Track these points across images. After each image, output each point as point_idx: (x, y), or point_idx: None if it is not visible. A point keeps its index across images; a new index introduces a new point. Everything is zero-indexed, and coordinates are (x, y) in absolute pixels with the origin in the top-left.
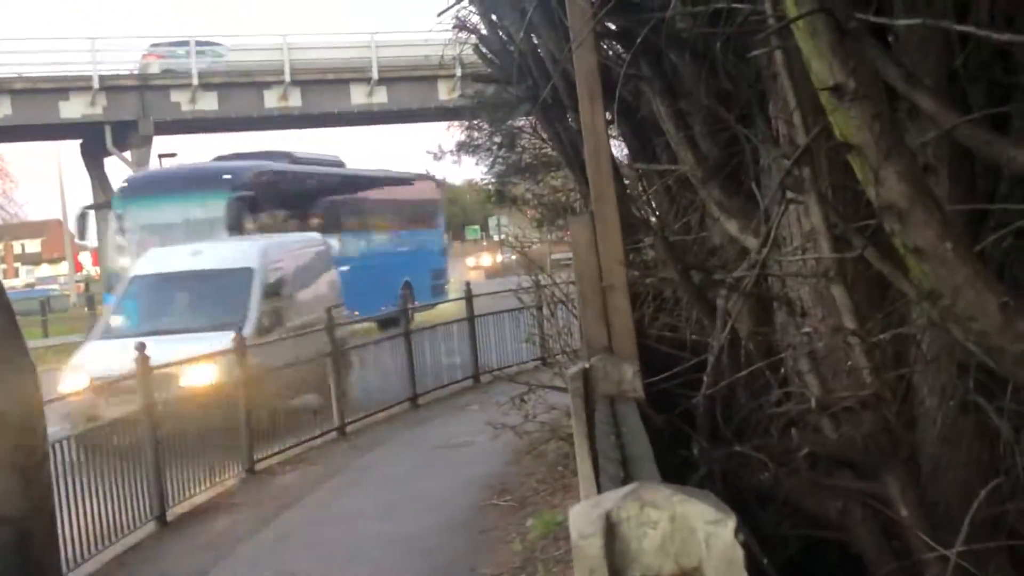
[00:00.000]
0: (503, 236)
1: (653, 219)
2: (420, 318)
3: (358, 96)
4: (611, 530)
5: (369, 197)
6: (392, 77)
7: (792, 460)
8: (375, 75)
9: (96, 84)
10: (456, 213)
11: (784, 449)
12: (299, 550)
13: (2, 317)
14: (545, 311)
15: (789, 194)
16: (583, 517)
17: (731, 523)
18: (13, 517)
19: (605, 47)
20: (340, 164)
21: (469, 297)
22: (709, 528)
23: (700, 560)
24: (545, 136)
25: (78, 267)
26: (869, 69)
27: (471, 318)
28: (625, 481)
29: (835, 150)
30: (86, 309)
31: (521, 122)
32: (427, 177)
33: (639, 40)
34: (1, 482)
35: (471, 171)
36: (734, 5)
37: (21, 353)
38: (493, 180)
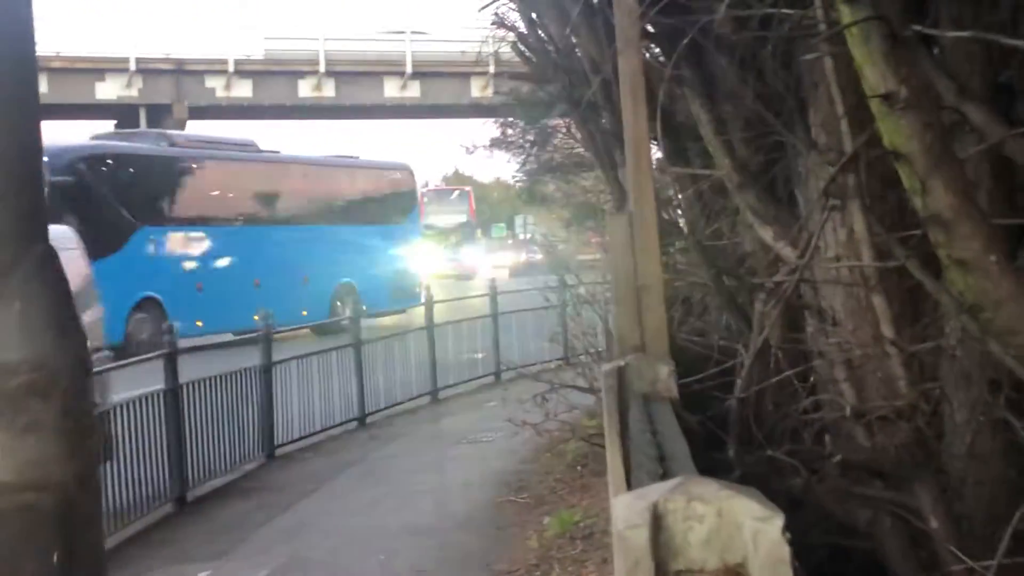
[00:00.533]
0: (529, 235)
1: (682, 223)
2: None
3: (391, 89)
4: (657, 522)
5: (288, 188)
6: (426, 72)
7: (824, 467)
8: (409, 69)
9: (133, 66)
10: (483, 210)
11: (816, 455)
12: (315, 537)
13: (57, 285)
14: (570, 311)
15: (831, 201)
16: (629, 507)
17: (779, 521)
18: (57, 483)
19: (643, 50)
20: (253, 149)
21: (493, 295)
22: (756, 525)
23: (745, 557)
24: (579, 136)
25: None
26: (921, 78)
27: (494, 315)
28: (664, 478)
29: (879, 159)
30: None
31: (555, 121)
32: (391, 165)
33: (685, 42)
34: (47, 446)
35: (500, 169)
36: (784, 11)
37: (73, 320)
38: (523, 178)
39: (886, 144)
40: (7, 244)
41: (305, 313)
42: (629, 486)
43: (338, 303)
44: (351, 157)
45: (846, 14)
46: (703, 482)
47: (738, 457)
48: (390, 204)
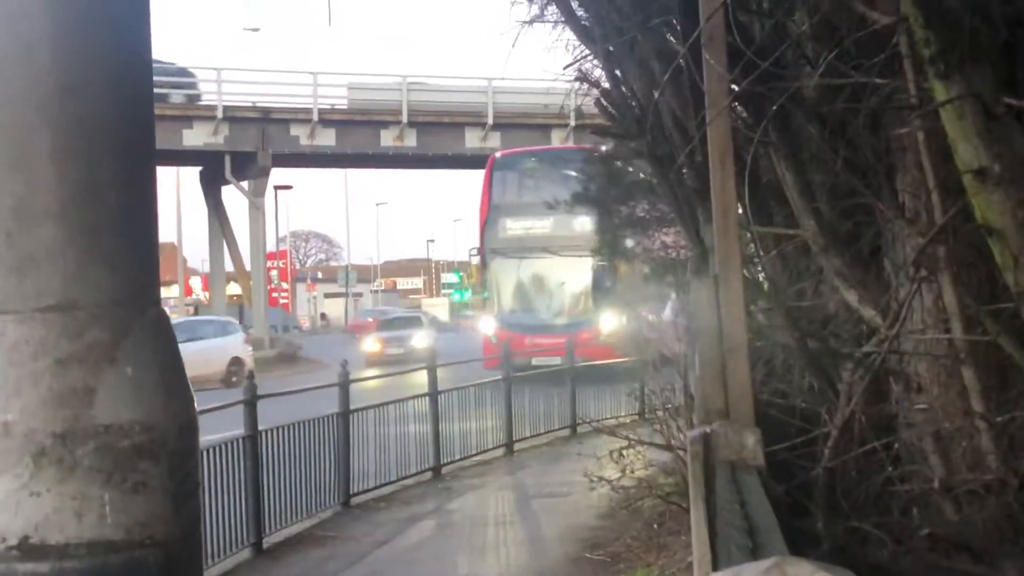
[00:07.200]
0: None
1: (765, 283)
2: None
3: (472, 140)
4: None
5: None
6: (506, 123)
7: (911, 539)
8: (490, 120)
9: (220, 114)
10: None
11: (904, 527)
12: None
13: (168, 348)
14: (649, 367)
15: (920, 272)
16: None
17: None
18: (163, 541)
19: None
20: None
21: (570, 348)
22: None
23: None
24: (660, 191)
25: (188, 291)
26: (1015, 154)
27: (571, 368)
28: (754, 551)
29: (970, 231)
30: None
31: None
32: None
33: (774, 108)
34: (154, 505)
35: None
36: (876, 80)
37: (182, 381)
38: (603, 232)
39: (978, 219)
40: (121, 310)
41: None
42: (714, 555)
43: None
44: None
45: (940, 91)
46: (798, 563)
47: (827, 529)
48: None
